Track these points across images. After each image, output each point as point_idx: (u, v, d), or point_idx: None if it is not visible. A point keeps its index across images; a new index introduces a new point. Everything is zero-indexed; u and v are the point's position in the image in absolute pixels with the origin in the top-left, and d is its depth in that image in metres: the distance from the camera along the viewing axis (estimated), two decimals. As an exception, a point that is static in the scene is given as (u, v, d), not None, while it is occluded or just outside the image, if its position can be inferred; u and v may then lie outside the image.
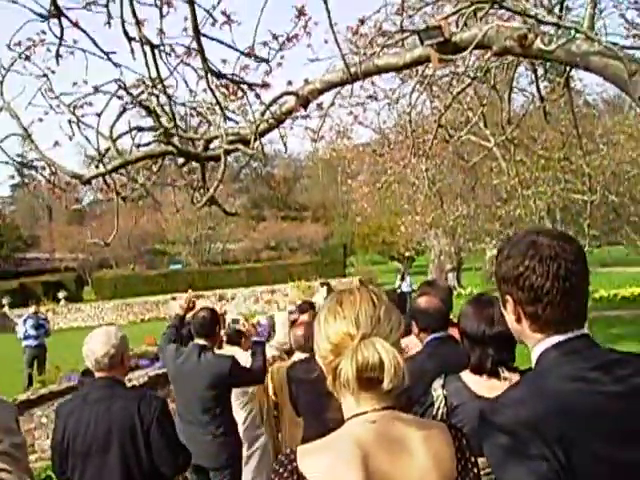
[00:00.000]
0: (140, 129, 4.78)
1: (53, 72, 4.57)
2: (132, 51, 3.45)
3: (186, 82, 4.47)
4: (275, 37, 4.20)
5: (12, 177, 60.57)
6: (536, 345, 1.69)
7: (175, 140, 4.59)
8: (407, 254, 31.04)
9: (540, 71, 7.84)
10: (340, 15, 4.42)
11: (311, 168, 60.49)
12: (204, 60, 3.54)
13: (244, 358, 5.47)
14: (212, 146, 5.01)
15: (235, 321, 6.07)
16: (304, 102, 4.56)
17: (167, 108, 4.14)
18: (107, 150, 4.76)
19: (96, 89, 4.37)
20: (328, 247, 46.39)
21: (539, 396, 1.57)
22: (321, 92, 4.60)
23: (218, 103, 3.95)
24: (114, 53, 3.87)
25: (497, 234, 16.45)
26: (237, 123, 4.70)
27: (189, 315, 5.56)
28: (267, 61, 4.11)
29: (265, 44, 4.19)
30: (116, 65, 4.03)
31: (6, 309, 33.05)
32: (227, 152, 4.36)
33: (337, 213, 53.94)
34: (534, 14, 3.56)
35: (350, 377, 1.56)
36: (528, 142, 11.08)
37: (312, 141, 6.78)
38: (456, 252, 31.19)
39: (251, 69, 4.57)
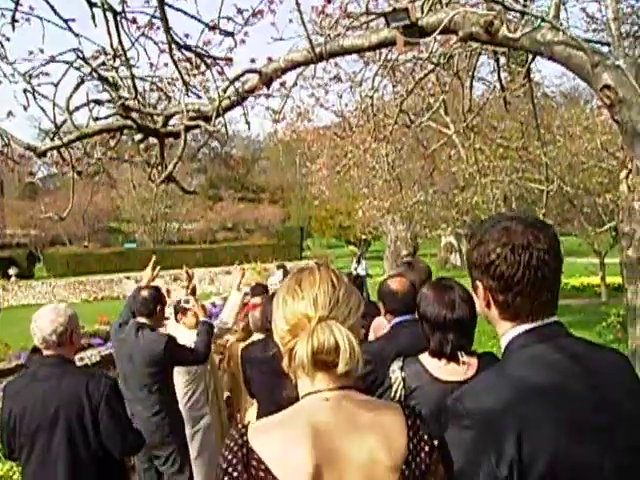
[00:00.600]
0: (98, 102, 4.66)
1: (8, 39, 4.41)
2: (93, 17, 3.34)
3: (148, 55, 4.37)
4: (240, 11, 4.13)
5: (-38, 148, 58.89)
6: (505, 332, 1.68)
7: (134, 115, 4.49)
8: (364, 237, 31.16)
9: (502, 60, 7.89)
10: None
11: (270, 150, 60.17)
12: (167, 30, 3.45)
13: (188, 336, 5.45)
14: (172, 122, 4.92)
15: (186, 301, 6.02)
16: (267, 81, 4.49)
17: (128, 81, 4.03)
18: (63, 122, 4.63)
19: (53, 58, 4.23)
20: (285, 229, 46.39)
21: (506, 384, 1.58)
22: (285, 71, 4.54)
23: (181, 77, 3.86)
24: (73, 21, 3.74)
25: (453, 221, 16.63)
26: (199, 98, 4.62)
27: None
28: (232, 34, 4.04)
29: (229, 19, 4.12)
30: (76, 34, 3.90)
31: (-46, 285, 32.31)
32: (187, 128, 4.28)
33: (295, 195, 53.91)
34: (501, 1, 3.55)
35: (305, 360, 1.55)
36: (487, 131, 11.16)
37: (273, 121, 6.73)
38: (412, 238, 31.46)
39: (214, 44, 4.50)
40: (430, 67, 7.22)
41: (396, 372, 2.81)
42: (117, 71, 4.23)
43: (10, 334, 12.25)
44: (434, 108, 8.66)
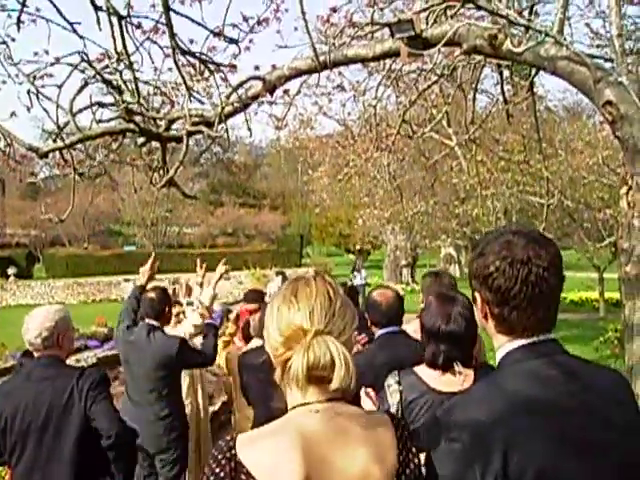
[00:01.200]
0: (101, 105, 4.67)
1: (13, 40, 4.43)
2: (98, 21, 3.35)
3: (152, 59, 4.38)
4: (245, 19, 4.15)
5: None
6: (501, 346, 1.68)
7: (137, 119, 4.49)
8: (363, 247, 31.19)
9: (505, 73, 7.91)
10: (310, 3, 4.38)
11: (272, 156, 60.24)
12: (172, 36, 3.46)
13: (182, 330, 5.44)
14: (174, 127, 4.93)
15: (190, 303, 6.00)
16: (271, 88, 4.51)
17: (131, 85, 4.04)
18: (66, 124, 4.63)
19: (58, 60, 4.25)
20: (285, 236, 46.39)
21: (497, 397, 1.57)
22: (288, 79, 4.55)
23: (184, 82, 3.87)
24: (79, 24, 3.76)
25: (453, 232, 16.64)
26: (202, 104, 4.63)
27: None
28: (237, 42, 4.05)
29: (235, 26, 4.13)
30: (80, 37, 3.92)
31: (-47, 283, 32.26)
32: (190, 133, 4.28)
33: (296, 203, 53.92)
34: (506, 14, 3.57)
35: (300, 374, 1.54)
36: (489, 143, 11.18)
37: (276, 128, 6.73)
38: (412, 248, 31.50)
39: (219, 51, 4.51)
40: (434, 78, 7.23)
41: (393, 386, 2.80)
42: (121, 74, 4.24)
43: (7, 334, 12.21)
44: (437, 119, 8.67)
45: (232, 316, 7.04)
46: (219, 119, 4.20)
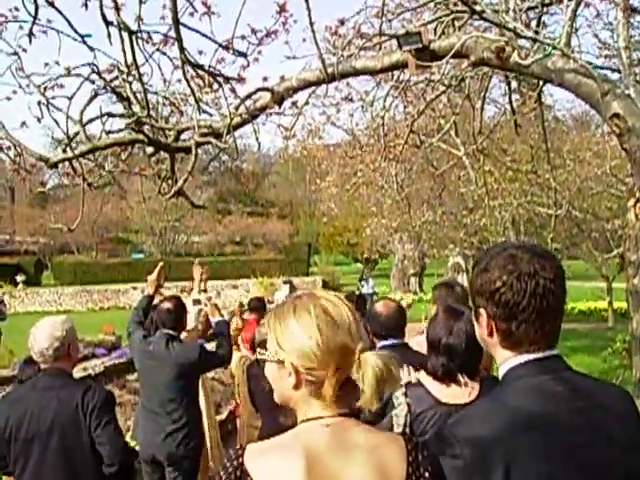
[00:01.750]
0: (111, 115, 4.71)
1: (25, 50, 4.47)
2: (109, 36, 3.39)
3: (161, 71, 4.42)
4: (254, 32, 4.17)
5: (-26, 155, 59.15)
6: (505, 361, 1.67)
7: (146, 129, 4.53)
8: (371, 256, 31.14)
9: (513, 84, 7.92)
10: (318, 14, 4.40)
11: (280, 165, 60.33)
12: (182, 50, 3.49)
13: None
14: (183, 137, 4.96)
15: (196, 301, 5.98)
16: (279, 99, 4.53)
17: (140, 96, 4.07)
18: (76, 134, 4.68)
19: (68, 71, 4.28)
20: (293, 245, 46.36)
21: (500, 413, 1.57)
22: (297, 90, 4.58)
23: (193, 94, 3.90)
24: (89, 36, 3.80)
25: (461, 242, 16.60)
26: (210, 115, 4.66)
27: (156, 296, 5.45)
28: (245, 55, 4.08)
29: (243, 38, 4.16)
30: (91, 49, 3.95)
31: (-38, 290, 32.36)
32: (198, 144, 4.32)
33: (304, 212, 53.95)
34: (513, 27, 3.58)
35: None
36: (497, 153, 11.18)
37: (284, 138, 6.77)
38: (419, 257, 31.44)
39: (227, 62, 4.54)
40: (442, 89, 7.25)
41: (400, 398, 2.80)
42: (130, 86, 4.27)
43: (15, 341, 12.26)
44: (445, 129, 8.69)
45: (235, 309, 7.03)
46: (227, 130, 4.23)
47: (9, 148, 4.93)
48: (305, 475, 1.50)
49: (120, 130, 4.87)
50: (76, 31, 3.80)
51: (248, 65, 4.33)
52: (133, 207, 45.40)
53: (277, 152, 59.38)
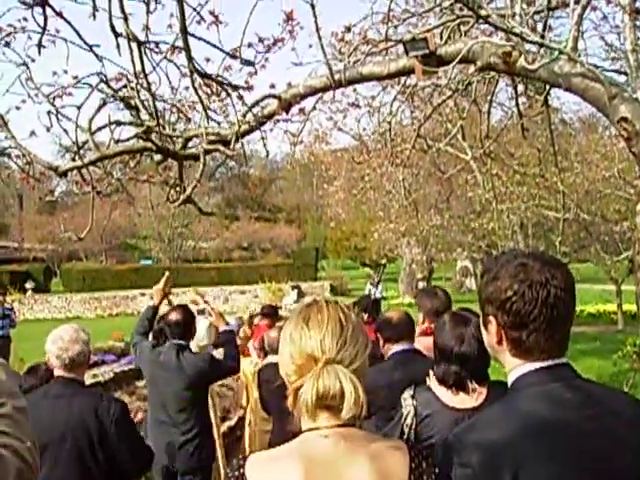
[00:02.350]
0: (119, 123, 4.74)
1: (33, 60, 4.50)
2: (118, 46, 3.41)
3: (169, 79, 4.44)
4: (261, 40, 4.19)
5: (-17, 163, 59.53)
6: (514, 369, 1.66)
7: (154, 136, 4.55)
8: (382, 261, 31.15)
9: (520, 87, 7.91)
10: (324, 20, 4.42)
11: (287, 170, 60.40)
12: (190, 59, 3.51)
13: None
14: (191, 144, 4.98)
15: (200, 311, 5.98)
16: (286, 106, 4.55)
17: (149, 104, 4.10)
18: (85, 143, 4.71)
19: (77, 81, 4.31)
20: (300, 250, 46.36)
21: (512, 418, 1.57)
22: (304, 97, 4.59)
23: (202, 102, 3.92)
24: (98, 46, 3.83)
25: (469, 246, 16.59)
26: (218, 123, 4.68)
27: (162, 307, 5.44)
28: (253, 64, 4.10)
29: (250, 46, 4.18)
30: (99, 58, 3.98)
31: (-29, 297, 32.48)
32: (207, 152, 4.33)
33: (311, 216, 53.99)
34: (519, 32, 3.58)
35: (310, 403, 1.55)
36: (505, 157, 11.17)
37: (291, 144, 6.78)
38: (427, 261, 31.40)
39: (234, 69, 4.56)
40: (448, 93, 7.25)
41: (407, 400, 2.81)
42: (138, 94, 4.30)
43: (25, 348, 12.32)
44: (452, 133, 8.68)
45: (246, 318, 7.06)
46: (236, 137, 4.24)
47: (18, 157, 4.96)
48: None
49: (129, 138, 4.89)
50: (84, 41, 3.83)
51: (256, 72, 4.35)
52: (141, 214, 45.54)
53: (284, 157, 59.58)
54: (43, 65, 4.81)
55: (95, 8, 3.47)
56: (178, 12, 3.23)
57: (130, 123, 4.68)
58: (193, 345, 5.50)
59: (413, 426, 2.76)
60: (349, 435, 1.60)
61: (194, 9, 3.59)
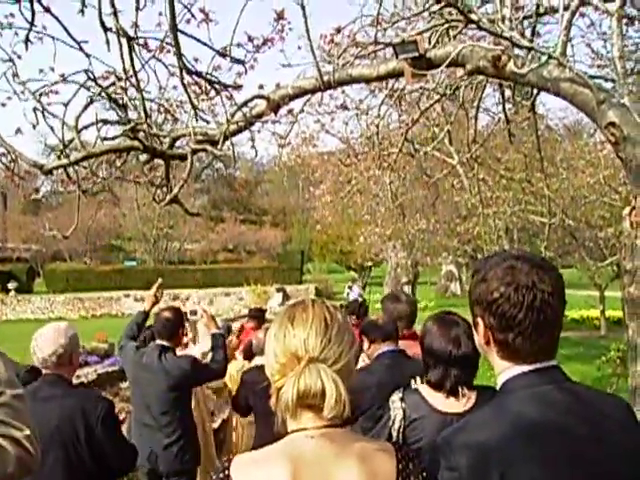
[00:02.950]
0: (106, 122, 4.70)
1: (19, 57, 4.46)
2: (107, 42, 3.38)
3: (157, 77, 4.41)
4: (250, 39, 4.18)
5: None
6: (502, 372, 1.66)
7: (141, 135, 4.52)
8: (367, 264, 31.17)
9: (507, 93, 7.95)
10: (314, 22, 4.41)
11: (273, 173, 60.33)
12: (179, 57, 3.49)
13: (196, 350, 5.40)
14: (177, 144, 4.95)
15: (193, 312, 5.94)
16: (275, 107, 4.53)
17: (137, 102, 4.07)
18: (71, 141, 4.66)
19: (64, 78, 4.28)
20: (286, 253, 46.38)
21: (502, 420, 1.56)
22: (293, 98, 4.58)
23: (190, 101, 3.90)
24: (86, 42, 3.79)
25: (454, 250, 16.64)
26: (207, 122, 4.66)
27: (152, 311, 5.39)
28: (243, 62, 4.08)
29: (240, 45, 4.16)
30: (87, 55, 3.95)
31: (-47, 297, 32.25)
32: (194, 152, 4.31)
33: (297, 219, 53.99)
34: (509, 36, 3.59)
35: (290, 402, 1.54)
36: (491, 162, 11.21)
37: (279, 146, 6.77)
38: (413, 265, 31.45)
39: (223, 69, 4.54)
40: (436, 97, 7.27)
41: (396, 402, 2.80)
42: (126, 92, 4.27)
43: (7, 349, 12.17)
44: (439, 138, 8.70)
45: (235, 329, 7.04)
46: (224, 137, 4.22)
47: (3, 154, 4.91)
48: None
49: (115, 137, 4.85)
50: (73, 38, 3.80)
51: (245, 72, 4.33)
52: (126, 214, 45.35)
53: (270, 160, 59.42)
54: (30, 62, 4.77)
55: (84, 4, 3.44)
56: (168, 9, 3.21)
57: (117, 122, 4.64)
58: (197, 352, 5.49)
59: (401, 429, 2.75)
60: (336, 436, 1.59)
61: (185, 6, 3.57)
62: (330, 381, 1.53)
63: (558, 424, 1.54)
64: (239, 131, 4.60)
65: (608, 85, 5.54)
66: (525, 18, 5.06)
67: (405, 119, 8.89)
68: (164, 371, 4.80)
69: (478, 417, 1.68)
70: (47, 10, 3.76)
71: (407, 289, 32.50)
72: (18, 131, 4.75)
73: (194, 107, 3.99)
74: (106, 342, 12.63)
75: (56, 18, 3.75)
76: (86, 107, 4.39)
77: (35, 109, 4.32)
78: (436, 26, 4.67)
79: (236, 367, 6.46)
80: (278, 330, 1.65)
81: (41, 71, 4.56)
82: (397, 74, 4.37)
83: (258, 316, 7.66)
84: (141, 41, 3.80)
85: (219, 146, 4.30)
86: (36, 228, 41.03)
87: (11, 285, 35.31)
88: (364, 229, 16.98)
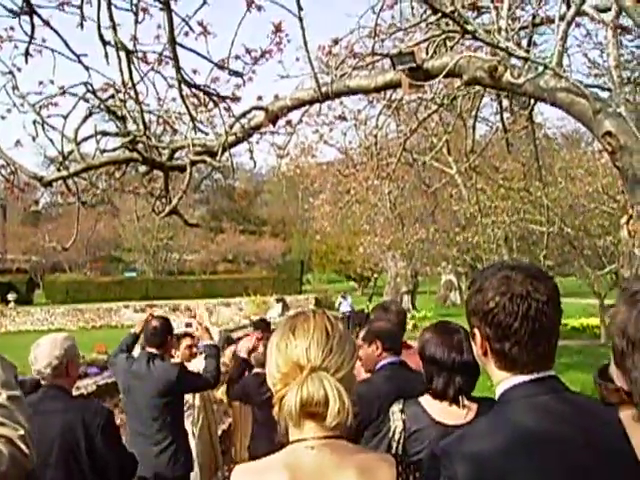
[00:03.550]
0: (105, 134, 4.72)
1: (19, 70, 4.49)
2: (106, 55, 3.40)
3: (156, 89, 4.43)
4: (248, 51, 4.20)
5: (-34, 174, 58.99)
6: (501, 382, 1.66)
7: (140, 147, 4.54)
8: (368, 274, 31.20)
9: (504, 102, 7.99)
10: (311, 34, 4.44)
11: (273, 183, 60.37)
12: (178, 70, 3.51)
13: (195, 363, 5.40)
14: (177, 155, 4.97)
15: (188, 324, 5.95)
16: (273, 118, 4.55)
17: (136, 114, 4.09)
18: (70, 153, 4.68)
19: (63, 90, 4.30)
20: (285, 263, 46.38)
21: (501, 430, 1.56)
22: (291, 109, 4.60)
23: (189, 113, 3.92)
24: (85, 55, 3.82)
25: (454, 259, 16.65)
26: (205, 134, 4.67)
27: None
28: (241, 75, 4.10)
29: (238, 58, 4.18)
30: (86, 68, 3.97)
31: (-47, 308, 32.22)
32: (193, 163, 4.33)
33: (296, 230, 53.99)
34: (505, 47, 3.62)
35: (293, 411, 1.54)
36: (489, 171, 11.25)
37: (278, 157, 6.79)
38: (412, 275, 31.46)
39: (222, 81, 4.56)
40: (434, 107, 7.30)
41: (396, 414, 2.78)
42: (125, 104, 4.29)
43: (7, 361, 12.15)
44: (437, 148, 8.74)
45: (229, 352, 6.99)
46: (222, 148, 4.24)
47: (3, 166, 4.93)
48: None
49: (114, 149, 4.87)
50: (72, 50, 3.83)
51: (243, 84, 4.36)
52: (125, 225, 45.36)
53: (269, 170, 59.49)
54: (29, 75, 4.79)
55: (83, 17, 3.47)
56: (166, 23, 3.23)
57: (116, 134, 4.66)
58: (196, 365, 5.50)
59: (401, 441, 2.74)
60: (336, 447, 1.59)
61: (183, 19, 3.59)
62: (333, 389, 1.54)
63: (556, 434, 1.54)
64: (238, 142, 4.62)
65: (605, 94, 5.57)
66: (521, 29, 5.10)
67: (403, 129, 8.92)
68: (151, 377, 4.83)
69: (477, 427, 1.68)
70: (47, 23, 3.79)
71: (407, 299, 32.61)
72: (18, 143, 4.78)
73: (193, 119, 4.01)
74: (106, 353, 12.58)
75: (55, 31, 3.77)
76: (85, 119, 4.41)
77: (35, 121, 4.35)
78: (433, 37, 4.70)
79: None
80: (280, 340, 1.65)
81: (41, 84, 4.59)
82: (395, 85, 4.40)
83: (262, 326, 7.66)
84: (140, 54, 3.83)
85: (218, 157, 4.32)
86: (36, 239, 41.03)
87: (11, 296, 35.25)
88: (363, 239, 17.02)
